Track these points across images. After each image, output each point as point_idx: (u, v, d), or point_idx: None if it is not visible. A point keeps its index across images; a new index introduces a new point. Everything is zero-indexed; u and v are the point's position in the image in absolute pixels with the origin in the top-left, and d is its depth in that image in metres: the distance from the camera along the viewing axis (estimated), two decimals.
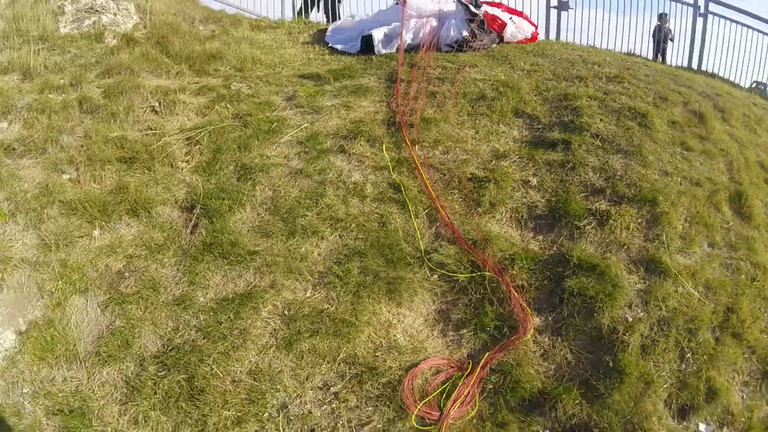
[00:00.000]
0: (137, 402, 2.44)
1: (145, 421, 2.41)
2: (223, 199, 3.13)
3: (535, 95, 4.43)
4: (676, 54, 8.12)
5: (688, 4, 7.83)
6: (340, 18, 6.67)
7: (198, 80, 4.36)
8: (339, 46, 5.26)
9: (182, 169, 3.45)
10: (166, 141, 3.55)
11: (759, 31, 7.84)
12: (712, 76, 7.61)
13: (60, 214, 3.04)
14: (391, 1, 6.62)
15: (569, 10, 7.62)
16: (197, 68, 4.53)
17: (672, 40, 8.14)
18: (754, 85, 8.38)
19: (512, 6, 6.68)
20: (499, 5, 6.15)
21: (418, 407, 2.48)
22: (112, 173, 3.31)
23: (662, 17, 8.07)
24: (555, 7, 7.59)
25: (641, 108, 4.63)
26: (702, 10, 7.71)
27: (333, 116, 3.75)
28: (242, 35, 5.27)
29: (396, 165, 3.42)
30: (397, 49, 4.93)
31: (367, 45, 5.08)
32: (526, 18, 6.19)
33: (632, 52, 7.54)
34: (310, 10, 6.96)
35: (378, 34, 5.12)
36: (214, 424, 2.40)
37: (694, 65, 7.76)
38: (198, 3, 6.28)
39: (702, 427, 2.95)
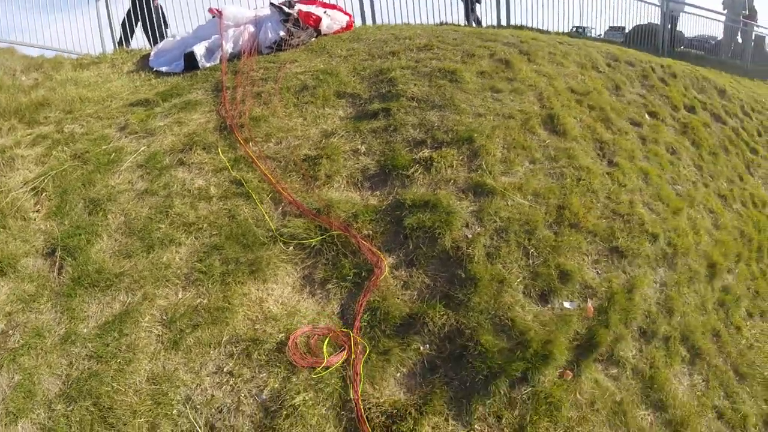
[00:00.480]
0: None
1: None
2: (80, 235, 3.34)
3: (354, 76, 5.01)
4: (487, 15, 9.23)
5: None
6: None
7: (30, 131, 4.42)
8: (164, 68, 5.51)
9: (35, 219, 3.58)
10: (14, 196, 3.67)
11: None
12: (521, 28, 8.77)
13: None
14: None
15: None
16: (27, 120, 4.57)
17: (479, 2, 9.24)
18: (573, 30, 9.76)
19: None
20: (313, 1, 6.70)
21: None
22: None
23: None
24: None
25: (450, 67, 5.38)
26: None
27: (167, 134, 4.05)
28: (66, 77, 5.34)
29: (234, 164, 3.82)
30: (220, 60, 5.30)
31: (190, 62, 5.38)
32: (339, 9, 6.82)
33: (444, 21, 8.47)
34: (130, 38, 7.08)
35: (199, 50, 5.44)
36: None
37: (504, 22, 8.87)
38: (16, 53, 6.21)
39: (567, 304, 3.65)
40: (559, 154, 4.77)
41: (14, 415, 2.70)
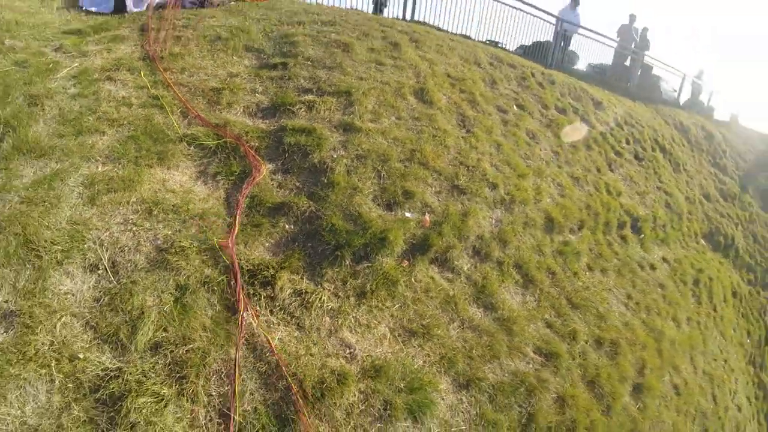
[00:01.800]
0: None
1: None
2: (21, 118, 4.46)
3: (263, 36, 6.40)
4: (395, 8, 10.91)
5: None
6: None
7: None
8: (93, 8, 6.64)
9: None
10: None
11: None
12: (423, 23, 10.50)
13: None
14: None
15: None
16: None
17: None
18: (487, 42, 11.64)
19: None
20: None
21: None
22: None
23: None
24: None
25: (345, 40, 6.86)
26: None
27: (98, 57, 5.24)
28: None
29: (153, 85, 5.06)
30: (147, 7, 6.53)
31: (119, 4, 6.56)
32: None
33: (354, 7, 10.08)
34: None
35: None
36: (48, 259, 3.79)
37: (408, 17, 10.57)
38: None
39: (407, 213, 5.05)
40: (423, 116, 6.32)
41: None
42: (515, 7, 11.83)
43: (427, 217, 5.12)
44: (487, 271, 5.24)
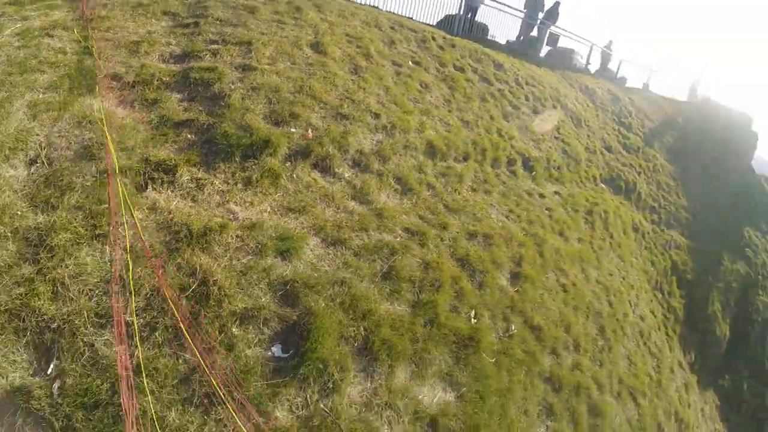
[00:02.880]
0: None
1: None
2: None
3: (179, 2, 7.87)
4: None
5: None
6: None
7: None
8: None
9: None
10: None
11: None
12: None
13: None
14: None
15: None
16: None
17: None
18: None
19: None
20: None
21: None
22: None
23: None
24: None
25: (252, 4, 8.36)
26: None
27: (37, 20, 6.63)
28: None
29: (83, 39, 6.52)
30: None
31: None
32: None
33: None
34: None
35: None
36: None
37: None
38: None
39: (293, 129, 6.40)
40: (316, 63, 7.83)
41: None
42: None
43: (309, 132, 6.55)
44: (366, 179, 6.65)
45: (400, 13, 13.00)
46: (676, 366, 11.14)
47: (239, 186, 5.56)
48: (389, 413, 4.28)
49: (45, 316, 3.65)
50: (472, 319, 5.66)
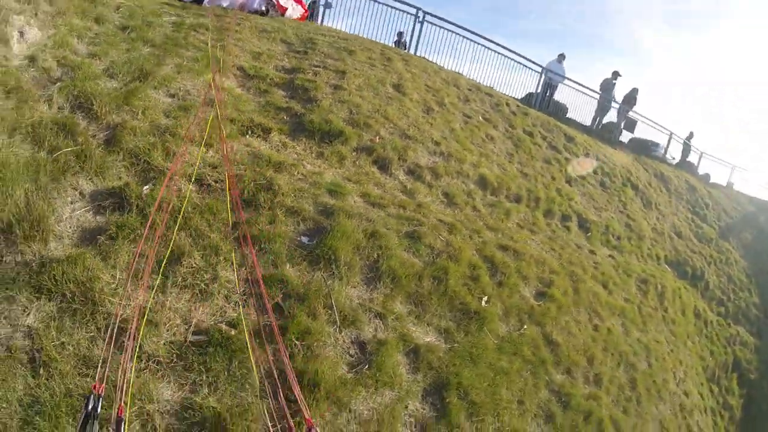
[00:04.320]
0: None
1: None
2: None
3: (294, 36, 10.26)
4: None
5: None
6: None
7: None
8: None
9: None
10: None
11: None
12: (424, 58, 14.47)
13: None
14: None
15: (331, 8, 14.55)
16: None
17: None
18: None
19: None
20: None
21: None
22: None
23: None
24: (323, 5, 14.47)
25: (352, 47, 10.64)
26: None
27: (188, 19, 8.97)
28: None
29: (221, 40, 8.90)
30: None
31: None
32: (302, 4, 12.43)
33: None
34: None
35: None
36: None
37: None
38: None
39: (365, 136, 8.50)
40: (395, 98, 9.75)
41: None
42: (505, 55, 15.75)
43: (377, 138, 8.36)
44: (417, 185, 8.17)
45: (483, 83, 15.11)
46: None
47: (313, 155, 7.36)
48: (378, 322, 5.12)
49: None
50: (484, 302, 6.27)
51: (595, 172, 13.76)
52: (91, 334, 3.80)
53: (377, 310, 5.24)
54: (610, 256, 11.03)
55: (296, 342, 4.46)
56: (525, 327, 6.58)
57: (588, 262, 9.58)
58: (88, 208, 4.75)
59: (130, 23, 7.92)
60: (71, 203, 4.73)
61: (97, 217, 4.70)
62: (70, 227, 4.53)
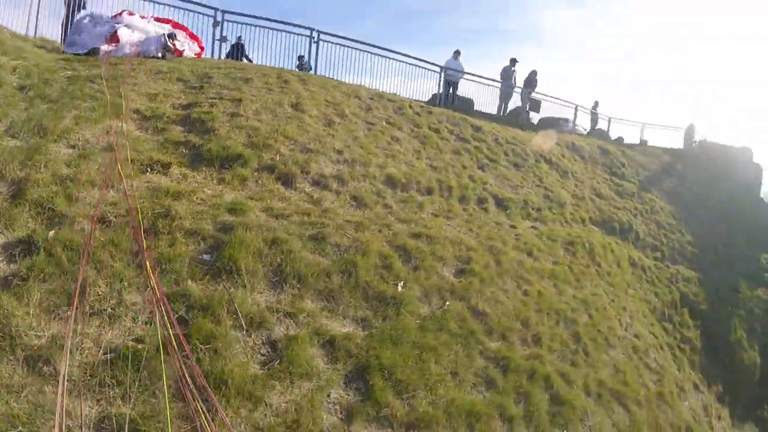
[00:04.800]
0: None
1: None
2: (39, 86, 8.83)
3: (190, 73, 10.89)
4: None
5: None
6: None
7: None
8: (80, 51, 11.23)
9: None
10: None
11: None
12: (324, 77, 15.28)
13: None
14: None
15: (226, 42, 15.26)
16: None
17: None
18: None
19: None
20: (185, 28, 12.95)
21: None
22: None
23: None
24: (218, 40, 14.99)
25: (248, 76, 11.27)
26: None
27: (83, 71, 9.32)
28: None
29: (116, 87, 9.48)
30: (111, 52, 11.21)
31: (94, 51, 11.16)
32: (199, 44, 13.10)
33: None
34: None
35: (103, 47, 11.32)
36: None
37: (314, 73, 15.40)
38: None
39: (264, 154, 9.17)
40: (294, 117, 10.39)
41: None
42: (402, 61, 16.81)
43: (277, 156, 8.95)
44: (324, 194, 8.75)
45: (386, 91, 16.01)
46: (689, 385, 11.80)
47: (215, 182, 7.92)
48: (288, 321, 5.46)
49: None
50: (399, 287, 6.65)
51: (506, 153, 14.73)
52: (12, 365, 4.31)
53: (286, 311, 5.62)
54: (532, 227, 11.85)
55: (201, 347, 4.96)
56: (448, 303, 7.00)
57: (509, 235, 10.31)
58: (1, 259, 5.26)
59: (27, 82, 8.33)
60: None
61: (10, 265, 5.16)
62: None
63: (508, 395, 6.25)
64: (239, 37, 15.54)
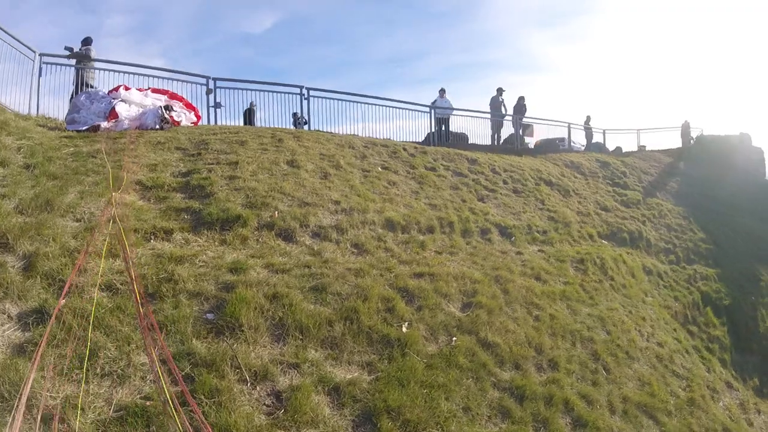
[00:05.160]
0: None
1: None
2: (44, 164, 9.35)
3: (187, 141, 11.44)
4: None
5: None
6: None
7: None
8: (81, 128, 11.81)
9: None
10: None
11: None
12: (317, 131, 15.82)
13: None
14: None
15: (221, 108, 15.86)
16: None
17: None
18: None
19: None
20: (180, 98, 13.56)
21: None
22: None
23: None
24: (212, 107, 15.52)
25: (243, 138, 11.83)
26: None
27: (85, 147, 9.98)
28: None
29: (118, 161, 9.99)
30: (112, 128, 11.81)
31: (95, 127, 11.78)
32: (196, 113, 13.72)
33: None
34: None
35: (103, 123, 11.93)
36: None
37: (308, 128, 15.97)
38: None
39: (262, 213, 9.60)
40: (290, 173, 10.84)
41: None
42: (391, 106, 17.58)
43: (276, 213, 9.32)
44: (325, 245, 9.05)
45: (382, 134, 16.54)
46: (721, 386, 11.52)
47: (216, 243, 8.28)
48: (293, 372, 5.49)
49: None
50: (404, 328, 6.70)
51: (504, 181, 15.13)
52: (29, 423, 4.62)
53: (290, 361, 5.69)
54: (539, 250, 12.06)
55: (206, 400, 5.18)
56: (455, 339, 7.03)
57: (515, 263, 10.47)
58: (16, 327, 5.55)
59: (32, 161, 8.79)
60: (1, 325, 5.56)
61: (25, 333, 5.46)
62: (3, 344, 5.26)
63: (526, 424, 6.22)
64: (251, 103, 16.48)
